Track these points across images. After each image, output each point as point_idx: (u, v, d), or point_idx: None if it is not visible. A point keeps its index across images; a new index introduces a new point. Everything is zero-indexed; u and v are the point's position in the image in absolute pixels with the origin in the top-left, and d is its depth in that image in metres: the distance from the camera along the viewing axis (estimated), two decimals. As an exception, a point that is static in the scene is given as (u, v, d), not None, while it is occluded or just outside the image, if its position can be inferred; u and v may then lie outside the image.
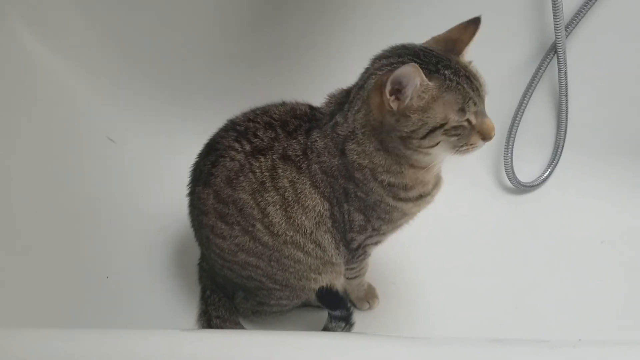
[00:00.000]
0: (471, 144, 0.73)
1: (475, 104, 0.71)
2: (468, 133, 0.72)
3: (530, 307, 1.03)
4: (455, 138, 0.71)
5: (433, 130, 0.70)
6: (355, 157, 0.76)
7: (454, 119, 0.70)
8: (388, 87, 0.68)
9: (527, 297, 1.04)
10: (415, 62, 0.71)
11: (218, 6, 1.14)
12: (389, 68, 0.72)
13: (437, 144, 0.71)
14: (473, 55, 0.74)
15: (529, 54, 1.15)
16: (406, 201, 0.80)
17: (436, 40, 0.77)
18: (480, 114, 0.72)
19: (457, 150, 0.73)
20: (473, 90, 0.71)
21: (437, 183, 0.83)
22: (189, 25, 1.17)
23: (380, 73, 0.73)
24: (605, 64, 1.14)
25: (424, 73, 0.68)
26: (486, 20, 1.10)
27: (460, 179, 1.09)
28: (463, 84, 0.70)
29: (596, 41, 1.12)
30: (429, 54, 0.73)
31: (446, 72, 0.70)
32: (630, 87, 1.15)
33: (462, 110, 0.70)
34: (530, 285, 1.06)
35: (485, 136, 0.73)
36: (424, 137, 0.71)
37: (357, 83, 0.77)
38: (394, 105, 0.70)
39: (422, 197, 0.81)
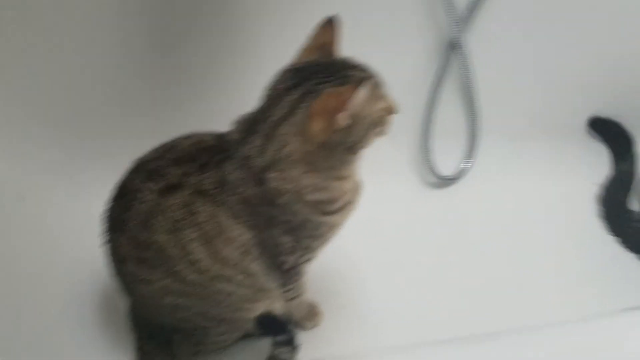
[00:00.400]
0: (387, 123, 0.77)
1: (383, 86, 0.75)
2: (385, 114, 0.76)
3: (473, 300, 1.04)
4: (383, 125, 0.76)
5: (372, 126, 0.74)
6: (277, 183, 0.75)
7: (381, 108, 0.74)
8: (348, 110, 0.69)
9: (467, 291, 1.05)
10: (326, 76, 0.72)
11: (114, 45, 1.10)
12: (314, 95, 0.71)
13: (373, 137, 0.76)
14: (376, 59, 0.75)
15: (431, 51, 1.18)
16: (333, 214, 0.80)
17: (308, 51, 0.77)
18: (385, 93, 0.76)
19: (379, 133, 0.76)
20: (376, 76, 0.75)
21: (357, 188, 0.83)
22: (85, 71, 1.12)
23: (305, 104, 0.71)
24: (507, 50, 1.19)
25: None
26: (384, 25, 1.13)
27: (382, 181, 1.10)
28: (371, 75, 0.74)
29: (494, 30, 1.17)
30: (328, 64, 0.74)
31: (356, 72, 0.73)
32: (532, 68, 1.21)
33: (381, 97, 0.74)
34: (468, 278, 1.08)
35: (393, 110, 0.77)
36: (367, 137, 0.74)
37: (266, 116, 0.74)
38: (345, 122, 0.70)
39: (347, 205, 0.81)
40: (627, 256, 1.16)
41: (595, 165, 1.27)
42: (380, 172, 1.18)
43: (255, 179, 0.75)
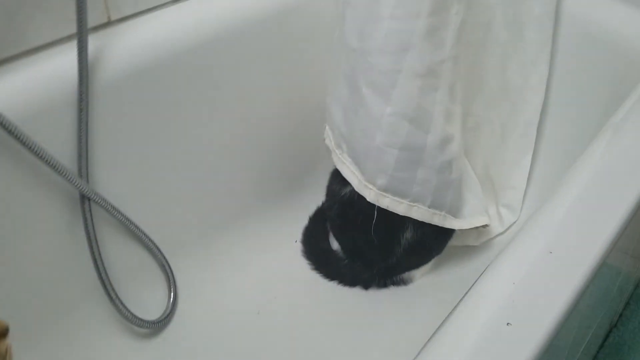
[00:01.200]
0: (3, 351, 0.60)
1: None
2: None
3: None
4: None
5: None
6: None
7: None
8: None
9: None
10: None
11: None
12: None
13: None
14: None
15: (70, 212, 1.05)
16: None
17: None
18: None
19: None
20: None
21: None
22: None
23: None
24: (139, 177, 1.12)
25: None
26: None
27: None
28: None
29: (112, 167, 1.07)
30: None
31: None
32: (174, 178, 1.16)
33: None
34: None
35: (2, 332, 0.61)
36: None
37: None
38: None
39: None
40: (353, 290, 1.20)
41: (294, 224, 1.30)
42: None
43: None
